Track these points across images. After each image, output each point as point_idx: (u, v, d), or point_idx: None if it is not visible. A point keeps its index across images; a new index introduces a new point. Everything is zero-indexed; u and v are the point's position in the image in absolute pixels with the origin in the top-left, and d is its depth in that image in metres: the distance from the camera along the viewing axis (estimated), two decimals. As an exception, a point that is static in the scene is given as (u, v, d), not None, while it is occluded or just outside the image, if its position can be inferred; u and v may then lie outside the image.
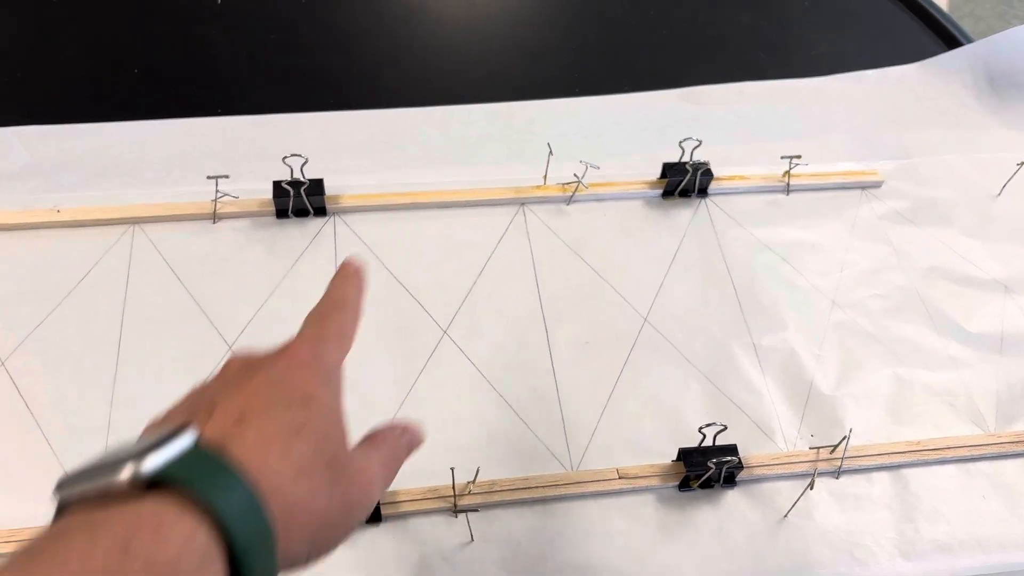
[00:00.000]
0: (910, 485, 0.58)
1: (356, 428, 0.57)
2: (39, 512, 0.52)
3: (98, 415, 0.56)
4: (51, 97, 0.75)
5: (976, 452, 0.59)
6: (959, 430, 0.61)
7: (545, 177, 0.70)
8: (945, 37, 0.90)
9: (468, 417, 0.58)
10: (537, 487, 0.55)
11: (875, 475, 0.58)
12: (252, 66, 0.79)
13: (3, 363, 0.57)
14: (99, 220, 0.64)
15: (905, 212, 0.73)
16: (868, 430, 0.60)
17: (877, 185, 0.74)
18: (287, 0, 0.85)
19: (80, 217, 0.64)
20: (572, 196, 0.70)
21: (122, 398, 0.57)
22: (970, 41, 0.88)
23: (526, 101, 0.78)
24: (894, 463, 0.58)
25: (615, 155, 0.74)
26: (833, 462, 0.57)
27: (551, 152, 0.69)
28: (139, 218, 0.64)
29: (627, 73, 0.83)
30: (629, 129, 0.76)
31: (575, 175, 0.69)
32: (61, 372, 0.58)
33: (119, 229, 0.64)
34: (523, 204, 0.70)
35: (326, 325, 0.37)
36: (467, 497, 0.54)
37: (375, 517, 0.53)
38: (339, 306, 0.39)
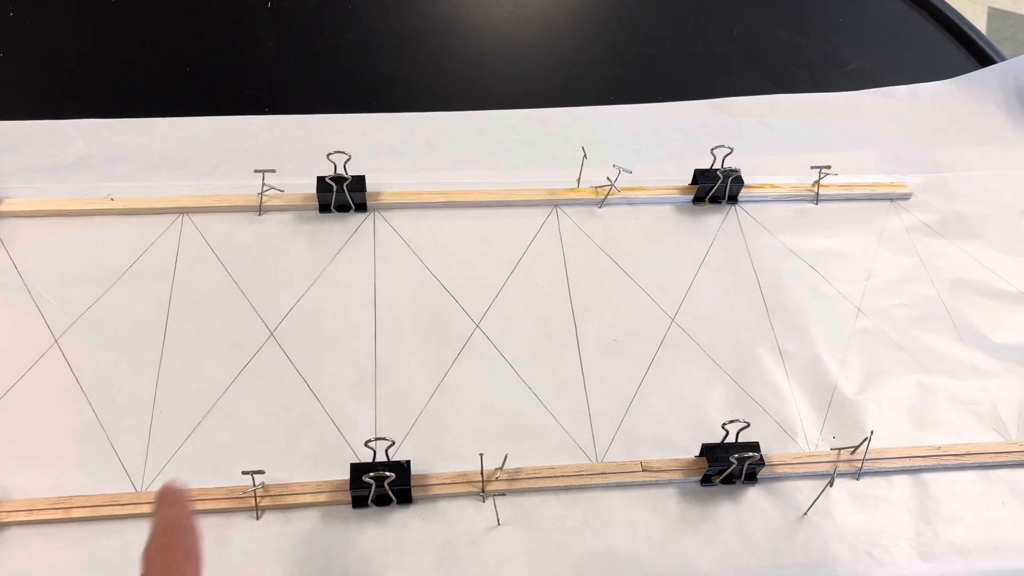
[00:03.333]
0: (930, 489, 0.59)
1: (391, 415, 0.59)
2: (86, 482, 0.55)
3: (144, 393, 0.59)
4: (107, 92, 0.78)
5: (997, 459, 0.60)
6: (981, 438, 0.62)
7: (579, 180, 0.72)
8: (978, 55, 0.91)
9: (497, 407, 0.60)
10: (563, 476, 0.57)
11: (895, 478, 0.59)
12: (298, 68, 0.82)
13: (56, 341, 0.60)
14: (150, 209, 0.67)
15: (933, 225, 0.74)
16: (890, 435, 0.61)
17: (906, 198, 0.75)
18: (333, 5, 0.88)
19: (132, 205, 0.67)
20: (605, 199, 0.71)
21: (167, 378, 0.59)
22: (1003, 60, 0.89)
23: (561, 108, 0.80)
24: (914, 467, 0.59)
25: (647, 162, 0.75)
26: (854, 463, 0.58)
27: (585, 155, 0.71)
28: (188, 208, 0.67)
29: (662, 84, 0.84)
30: (662, 137, 0.78)
31: (608, 179, 0.71)
32: (110, 351, 0.60)
33: (169, 218, 0.67)
34: (556, 206, 0.72)
35: (173, 555, 0.37)
36: (494, 483, 0.56)
37: (405, 498, 0.55)
38: (176, 530, 0.38)
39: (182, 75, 0.80)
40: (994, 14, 2.23)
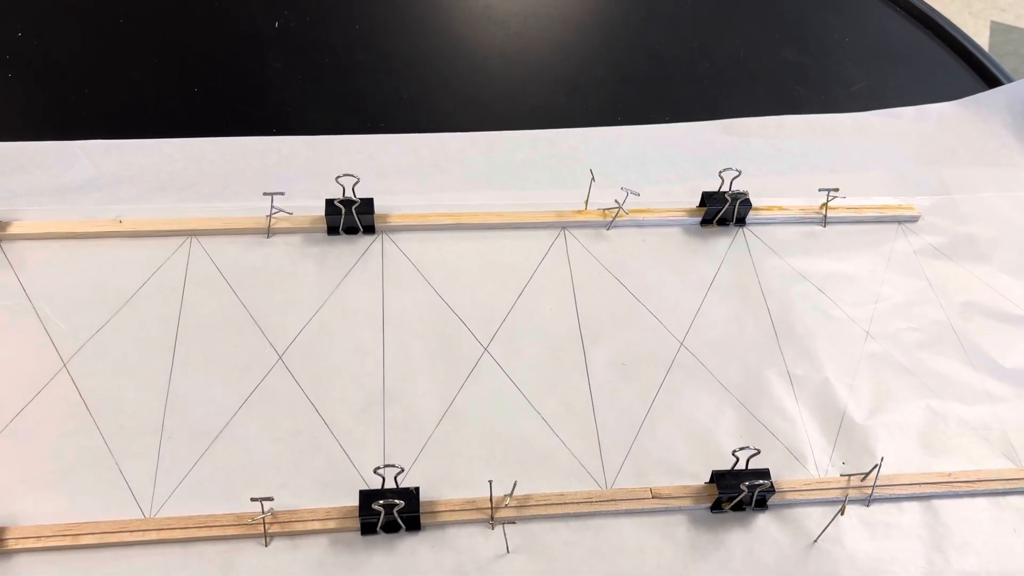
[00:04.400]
0: (940, 516, 0.58)
1: (399, 440, 0.59)
2: (94, 508, 0.55)
3: (152, 417, 0.58)
4: (115, 113, 0.78)
5: (1008, 486, 0.60)
6: (992, 464, 0.61)
7: (586, 202, 0.72)
8: (985, 76, 0.91)
9: (506, 432, 0.60)
10: (572, 503, 0.56)
11: (906, 504, 0.59)
12: (306, 89, 0.82)
13: (65, 365, 0.60)
14: (158, 231, 0.67)
15: (942, 247, 0.74)
16: (900, 460, 0.61)
17: (914, 220, 0.75)
18: (341, 26, 0.88)
19: (141, 228, 0.67)
20: (612, 221, 0.71)
21: (175, 401, 0.59)
22: (1010, 80, 0.89)
23: (569, 129, 0.80)
24: (925, 493, 0.59)
25: (655, 183, 0.76)
26: (864, 490, 0.58)
27: (593, 178, 0.71)
28: (196, 230, 0.67)
29: (668, 105, 0.84)
30: (669, 158, 0.78)
31: (616, 201, 0.71)
32: (118, 375, 0.60)
33: (177, 240, 0.67)
34: (564, 228, 0.71)
35: None
36: (504, 510, 0.56)
37: (414, 525, 0.55)
38: None
39: (190, 96, 0.80)
40: (997, 28, 2.23)
